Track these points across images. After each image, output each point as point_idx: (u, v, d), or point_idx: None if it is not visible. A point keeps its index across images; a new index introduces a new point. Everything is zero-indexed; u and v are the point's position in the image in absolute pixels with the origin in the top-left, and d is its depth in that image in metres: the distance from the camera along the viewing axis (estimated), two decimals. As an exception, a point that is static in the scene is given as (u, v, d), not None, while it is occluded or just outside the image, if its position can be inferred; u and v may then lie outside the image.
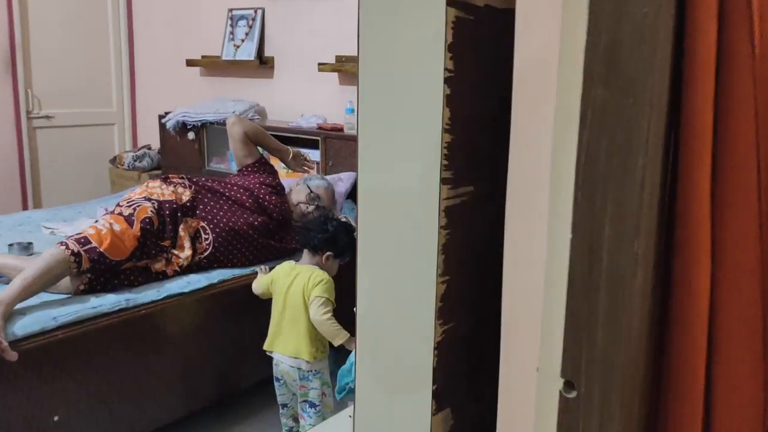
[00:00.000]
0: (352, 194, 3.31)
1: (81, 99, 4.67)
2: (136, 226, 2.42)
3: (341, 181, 3.28)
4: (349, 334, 2.23)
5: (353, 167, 3.35)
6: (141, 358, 2.28)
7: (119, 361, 2.22)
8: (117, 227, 2.38)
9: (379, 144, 1.04)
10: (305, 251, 2.40)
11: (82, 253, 2.22)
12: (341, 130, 3.43)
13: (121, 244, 2.33)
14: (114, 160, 4.55)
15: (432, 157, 1.00)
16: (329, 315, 2.22)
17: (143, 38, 4.82)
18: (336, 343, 2.24)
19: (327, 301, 2.24)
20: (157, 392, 2.35)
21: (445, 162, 1.00)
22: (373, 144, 1.04)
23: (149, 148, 4.56)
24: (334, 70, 3.61)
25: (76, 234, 2.33)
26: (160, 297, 2.34)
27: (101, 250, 2.26)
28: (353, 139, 3.34)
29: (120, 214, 2.49)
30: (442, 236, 1.01)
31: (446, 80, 0.96)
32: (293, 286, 2.32)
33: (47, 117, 4.51)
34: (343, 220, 2.47)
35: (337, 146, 3.39)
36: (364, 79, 1.04)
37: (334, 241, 2.33)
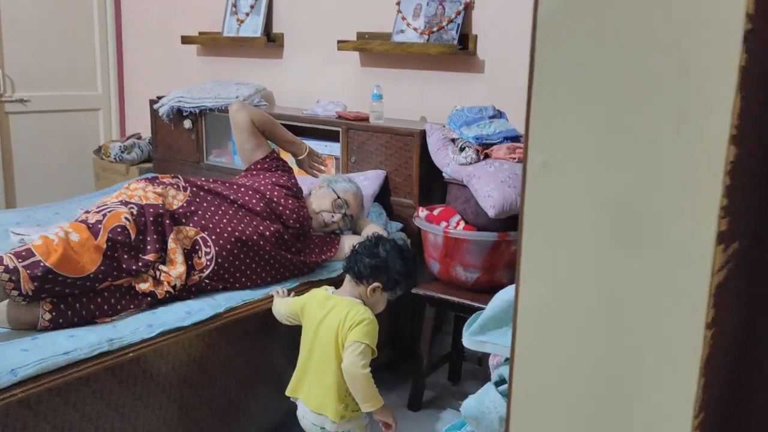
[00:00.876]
0: (379, 197, 2.80)
1: (61, 81, 4.12)
2: (102, 237, 1.90)
3: (367, 181, 2.77)
4: (383, 401, 1.74)
5: (380, 164, 2.84)
6: (128, 413, 1.78)
7: (100, 420, 1.71)
8: (75, 237, 1.87)
9: (581, 161, 0.54)
10: (347, 278, 1.90)
11: (20, 269, 1.71)
12: (366, 119, 2.92)
13: (77, 259, 1.82)
14: (99, 151, 4.02)
15: (702, 192, 0.50)
16: (368, 370, 1.72)
17: (132, 11, 4.27)
18: (365, 408, 1.75)
19: (366, 349, 1.74)
20: (149, 455, 1.85)
21: (726, 200, 0.50)
22: (563, 159, 0.55)
23: (139, 138, 4.03)
24: (356, 49, 3.09)
25: (21, 245, 1.82)
26: (152, 334, 1.83)
27: (48, 264, 1.75)
28: (380, 130, 2.83)
29: (84, 221, 1.97)
30: (706, 343, 0.52)
31: (746, 36, 0.46)
32: (326, 321, 1.82)
33: (22, 101, 3.96)
34: (400, 242, 1.97)
35: (361, 139, 2.88)
36: (547, 26, 0.55)
37: (384, 269, 1.84)
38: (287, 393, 1.92)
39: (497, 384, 0.91)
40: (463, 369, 2.89)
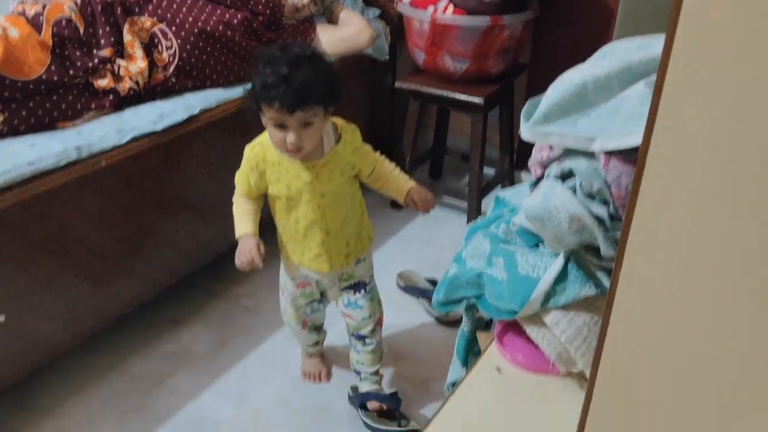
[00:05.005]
0: (353, -21, 2.50)
1: None
2: (46, 32, 1.67)
3: (340, -39, 2.45)
4: (240, 233, 1.46)
5: (353, -60, 2.49)
6: (104, 224, 1.65)
7: (74, 232, 1.58)
8: (14, 33, 1.63)
9: None
10: None
11: None
12: None
13: (22, 58, 1.61)
14: (16, -68, 3.45)
15: None
16: (234, 200, 1.50)
17: None
18: None
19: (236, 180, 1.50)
20: (131, 267, 1.76)
21: None
22: None
23: None
24: None
25: None
26: (123, 141, 1.65)
27: None
28: None
29: (21, 13, 1.73)
30: None
31: None
32: None
33: None
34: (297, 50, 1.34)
35: None
36: None
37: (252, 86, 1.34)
38: None
39: (563, 178, 0.80)
40: (444, 164, 2.83)
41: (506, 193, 1.12)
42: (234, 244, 2.03)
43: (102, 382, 1.77)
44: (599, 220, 0.77)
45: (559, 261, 0.85)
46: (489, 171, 2.67)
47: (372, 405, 1.65)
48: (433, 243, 2.41)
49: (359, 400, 1.69)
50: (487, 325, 1.15)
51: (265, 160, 1.41)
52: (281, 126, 1.30)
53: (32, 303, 1.54)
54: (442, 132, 2.71)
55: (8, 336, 1.51)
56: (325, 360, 1.84)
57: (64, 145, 1.55)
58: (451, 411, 0.85)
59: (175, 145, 1.76)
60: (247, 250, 1.43)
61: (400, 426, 1.63)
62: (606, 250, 0.78)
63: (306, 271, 1.54)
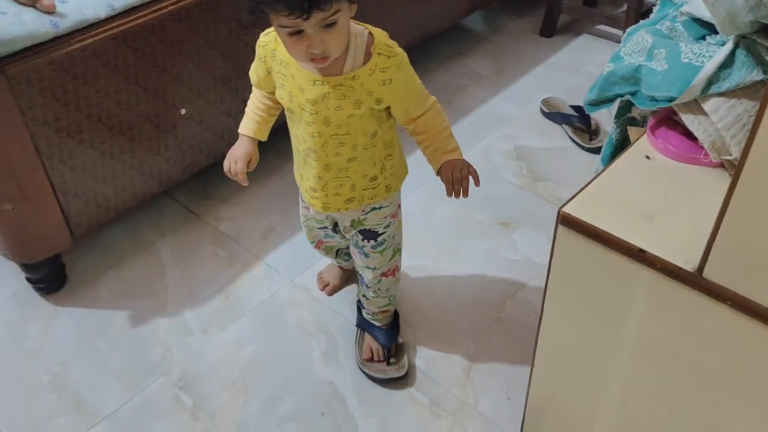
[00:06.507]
0: None
1: None
2: None
3: None
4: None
5: None
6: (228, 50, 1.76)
7: (201, 58, 1.66)
8: None
9: None
10: None
11: None
12: None
13: None
14: None
15: None
16: None
17: None
18: None
19: None
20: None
21: None
22: None
23: None
24: None
25: None
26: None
27: None
28: None
29: None
30: None
31: None
32: None
33: None
34: None
35: None
36: None
37: None
38: None
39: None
40: (601, -9, 2.67)
41: (674, -9, 1.08)
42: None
43: (270, 181, 1.97)
44: (779, -5, 0.74)
45: (728, 46, 0.83)
46: (650, -2, 2.50)
47: (366, 352, 1.48)
48: (581, 72, 2.36)
49: (358, 322, 1.56)
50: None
51: (275, 55, 1.12)
52: (297, 32, 0.96)
53: (211, 100, 1.72)
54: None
55: (194, 127, 1.71)
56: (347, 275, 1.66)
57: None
58: (597, 187, 0.90)
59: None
60: (235, 160, 1.28)
61: (389, 363, 1.46)
62: (782, 27, 0.75)
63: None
